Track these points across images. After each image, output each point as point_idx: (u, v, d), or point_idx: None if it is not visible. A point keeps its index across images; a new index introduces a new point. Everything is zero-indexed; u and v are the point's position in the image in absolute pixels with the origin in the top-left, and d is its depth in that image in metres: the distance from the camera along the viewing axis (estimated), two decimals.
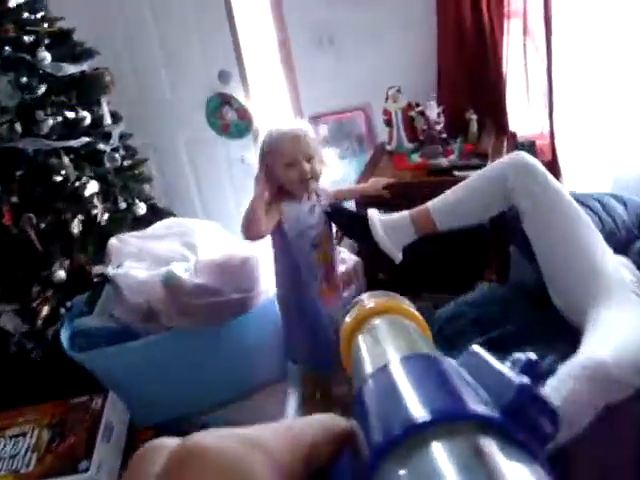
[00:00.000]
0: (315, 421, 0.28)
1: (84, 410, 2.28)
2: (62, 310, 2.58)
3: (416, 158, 2.70)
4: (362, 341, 0.38)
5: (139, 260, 2.35)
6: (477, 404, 0.24)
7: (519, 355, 0.27)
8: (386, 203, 2.55)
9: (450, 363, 0.29)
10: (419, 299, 2.66)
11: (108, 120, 2.77)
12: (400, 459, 0.23)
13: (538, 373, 0.26)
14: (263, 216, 2.01)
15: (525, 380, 0.25)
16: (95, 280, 2.46)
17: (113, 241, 2.38)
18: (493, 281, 2.58)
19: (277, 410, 2.47)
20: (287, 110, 3.09)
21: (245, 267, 2.29)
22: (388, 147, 2.84)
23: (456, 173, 2.44)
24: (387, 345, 0.35)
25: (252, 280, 2.30)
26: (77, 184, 2.63)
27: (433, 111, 2.70)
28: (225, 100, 3.11)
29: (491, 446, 0.22)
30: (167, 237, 2.43)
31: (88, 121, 2.66)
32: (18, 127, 2.49)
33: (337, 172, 2.38)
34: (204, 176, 3.40)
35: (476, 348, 0.29)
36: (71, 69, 2.61)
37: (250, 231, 1.99)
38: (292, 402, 2.55)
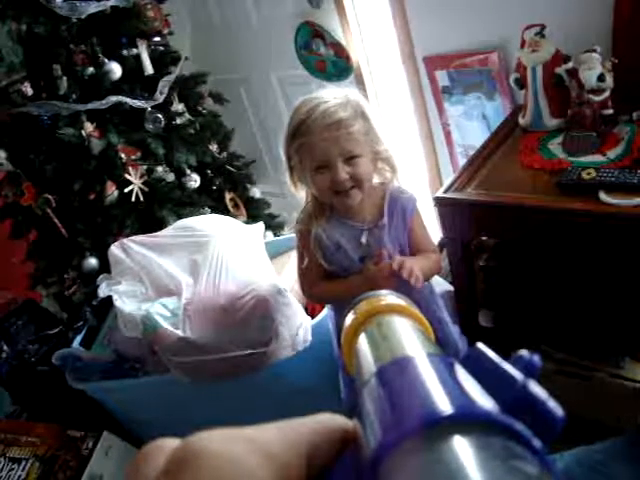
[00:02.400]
0: (316, 421, 0.27)
1: (75, 450, 1.91)
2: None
3: (555, 149, 1.72)
4: (370, 335, 0.36)
5: (137, 280, 1.81)
6: (487, 404, 0.23)
7: (522, 353, 0.27)
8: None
9: (458, 365, 0.28)
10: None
11: (149, 69, 2.15)
12: (410, 454, 0.22)
13: (538, 373, 0.26)
14: (316, 282, 1.50)
15: (528, 379, 0.25)
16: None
17: (114, 249, 1.86)
18: None
19: None
20: (394, 48, 2.18)
21: (257, 312, 1.64)
22: (521, 120, 1.86)
23: (603, 198, 1.46)
24: (400, 342, 0.33)
25: (267, 330, 1.65)
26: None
27: (592, 70, 1.65)
28: (316, 32, 2.29)
29: (504, 445, 0.21)
30: (176, 249, 1.84)
31: (119, 74, 2.08)
32: (29, 89, 2.00)
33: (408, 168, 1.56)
34: None
35: (480, 346, 0.28)
36: (91, 8, 2.00)
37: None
38: None
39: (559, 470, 0.22)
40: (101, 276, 1.94)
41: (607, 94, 1.67)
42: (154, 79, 2.19)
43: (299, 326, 1.70)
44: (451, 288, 1.87)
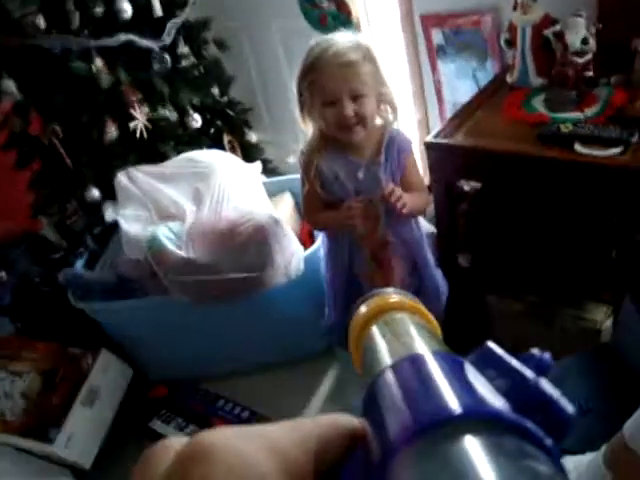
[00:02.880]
0: (325, 420, 0.27)
1: (75, 365, 2.04)
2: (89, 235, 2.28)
3: (537, 104, 1.86)
4: (380, 331, 0.37)
5: (142, 206, 1.93)
6: (498, 403, 0.24)
7: (533, 351, 0.27)
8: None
9: (468, 364, 0.28)
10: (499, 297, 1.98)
11: (158, 11, 2.24)
12: (420, 452, 0.22)
13: (549, 371, 0.26)
14: (314, 209, 1.66)
15: (540, 377, 0.25)
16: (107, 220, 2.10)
17: (120, 177, 1.97)
18: (608, 304, 1.82)
19: (301, 388, 2.09)
20: (393, 4, 2.29)
21: (254, 239, 1.77)
22: (508, 78, 2.00)
23: (578, 149, 1.61)
24: (413, 339, 0.34)
25: (263, 256, 1.78)
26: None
27: (577, 33, 1.79)
28: None
29: (516, 444, 0.21)
30: (180, 178, 1.96)
31: (129, 14, 2.16)
32: (42, 21, 2.08)
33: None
34: None
35: (490, 344, 0.28)
36: None
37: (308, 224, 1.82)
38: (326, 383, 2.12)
39: None
40: (106, 203, 2.05)
41: (589, 57, 1.81)
42: (162, 21, 2.27)
43: (292, 255, 1.83)
44: (434, 230, 2.02)
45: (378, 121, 1.59)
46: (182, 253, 1.74)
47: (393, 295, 0.40)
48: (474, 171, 1.86)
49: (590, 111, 1.77)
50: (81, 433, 1.96)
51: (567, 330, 1.87)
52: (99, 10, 2.12)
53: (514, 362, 0.26)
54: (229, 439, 0.24)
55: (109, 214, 1.93)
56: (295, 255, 1.84)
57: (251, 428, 0.25)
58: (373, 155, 1.58)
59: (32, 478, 2.01)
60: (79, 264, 2.13)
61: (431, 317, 0.39)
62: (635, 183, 1.51)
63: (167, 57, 2.26)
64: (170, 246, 1.74)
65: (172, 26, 2.28)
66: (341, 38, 1.48)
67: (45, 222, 2.50)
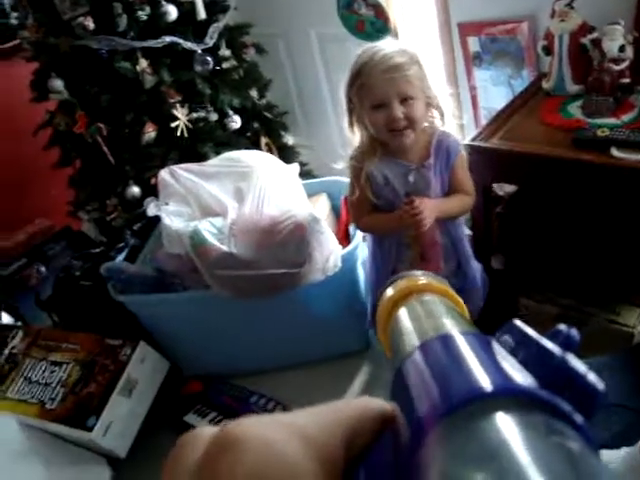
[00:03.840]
0: (353, 404, 0.28)
1: (113, 356, 2.08)
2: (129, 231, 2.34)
3: (574, 111, 1.89)
4: (408, 313, 0.37)
5: (184, 203, 1.98)
6: (527, 380, 0.23)
7: (560, 327, 0.26)
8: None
9: (496, 342, 0.28)
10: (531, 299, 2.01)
11: (202, 14, 2.31)
12: (452, 430, 0.22)
13: (576, 347, 0.26)
14: (366, 213, 1.68)
15: (567, 353, 0.25)
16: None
17: (163, 174, 2.02)
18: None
19: (335, 385, 2.12)
20: (431, 13, 2.34)
21: (294, 236, 1.81)
22: (545, 84, 2.03)
23: (614, 153, 1.64)
24: (442, 319, 0.34)
25: (302, 252, 1.82)
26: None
27: (614, 41, 1.82)
28: None
29: (545, 421, 0.21)
30: (222, 176, 2.00)
31: (174, 16, 2.23)
32: (91, 23, 2.15)
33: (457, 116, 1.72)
34: (337, 81, 2.81)
35: (517, 322, 0.28)
36: None
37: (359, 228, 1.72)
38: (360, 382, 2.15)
39: None
40: (148, 199, 2.11)
41: (626, 64, 1.84)
42: (205, 24, 2.34)
43: (330, 253, 1.87)
44: (469, 232, 2.05)
45: (426, 124, 1.62)
46: (224, 247, 1.78)
47: (421, 277, 0.40)
48: (510, 174, 1.90)
49: (627, 117, 1.80)
50: (118, 422, 2.00)
51: (601, 333, 1.89)
52: (145, 13, 2.19)
53: (541, 339, 0.26)
54: (257, 427, 0.24)
55: (151, 209, 1.98)
56: (333, 253, 1.88)
57: (279, 416, 0.25)
58: (422, 157, 1.60)
59: (69, 465, 2.06)
60: (120, 258, 2.18)
61: (459, 299, 0.39)
62: None
63: (209, 59, 2.32)
64: (212, 240, 1.78)
65: (214, 29, 2.35)
66: (387, 44, 1.50)
67: (85, 218, 2.57)
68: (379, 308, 0.40)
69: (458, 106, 2.46)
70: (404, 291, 0.39)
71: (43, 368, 2.17)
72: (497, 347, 0.27)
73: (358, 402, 0.28)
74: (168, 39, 2.22)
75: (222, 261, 1.81)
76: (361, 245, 2.05)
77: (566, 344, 0.26)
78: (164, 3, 2.20)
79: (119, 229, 2.40)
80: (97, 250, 2.40)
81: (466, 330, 0.31)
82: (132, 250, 2.21)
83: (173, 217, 1.93)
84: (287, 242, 1.83)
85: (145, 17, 2.18)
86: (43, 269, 2.69)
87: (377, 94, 1.47)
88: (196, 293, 2.00)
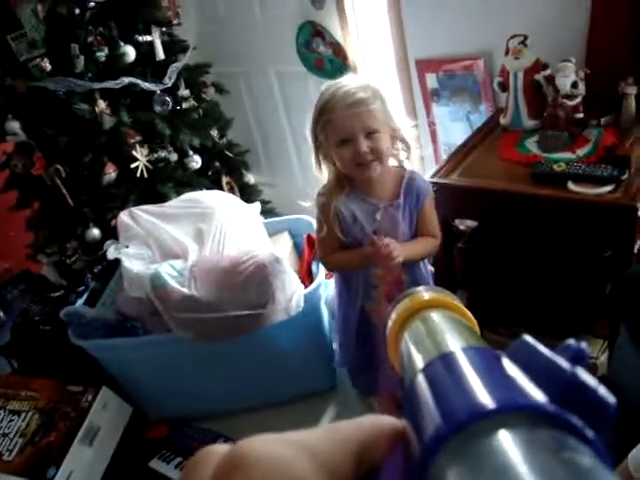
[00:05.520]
0: (363, 421, 0.27)
1: (74, 403, 2.03)
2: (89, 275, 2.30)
3: (531, 146, 1.92)
4: (414, 332, 0.36)
5: (145, 245, 1.95)
6: (536, 395, 0.23)
7: (569, 342, 0.25)
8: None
9: (505, 357, 0.27)
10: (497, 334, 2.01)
11: (160, 54, 2.31)
12: (459, 449, 0.22)
13: (587, 361, 0.25)
14: (332, 251, 1.67)
15: (577, 367, 0.24)
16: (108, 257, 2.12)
17: (123, 216, 2.00)
18: (603, 338, 1.85)
19: (303, 426, 2.09)
20: (389, 50, 2.37)
21: (256, 277, 1.79)
22: (502, 120, 2.06)
23: (571, 187, 1.66)
24: (445, 336, 0.33)
25: (265, 293, 1.80)
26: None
27: (567, 77, 1.86)
28: (317, 31, 2.47)
29: (555, 436, 0.21)
30: (182, 218, 1.99)
31: (132, 57, 2.23)
32: (47, 64, 2.13)
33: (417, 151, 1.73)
34: (298, 118, 2.83)
35: (527, 337, 0.27)
36: None
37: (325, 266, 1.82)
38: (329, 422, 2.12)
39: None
40: (108, 241, 2.08)
41: (579, 100, 1.88)
42: (164, 65, 2.34)
43: (293, 292, 1.85)
44: (431, 268, 2.05)
45: (393, 162, 1.62)
46: (185, 290, 1.76)
47: (423, 294, 0.39)
48: (471, 210, 1.92)
49: (582, 151, 1.83)
50: (80, 472, 1.94)
51: None
52: (103, 54, 2.18)
53: (550, 353, 0.25)
54: (267, 445, 0.24)
55: (111, 252, 1.95)
56: (296, 292, 1.87)
57: (290, 434, 0.26)
58: (391, 196, 1.60)
59: None
60: (79, 302, 2.14)
61: (465, 310, 0.38)
62: (626, 219, 1.56)
63: (168, 99, 2.32)
64: (173, 283, 1.76)
65: (173, 70, 2.35)
66: (350, 80, 1.53)
67: (45, 261, 2.51)
68: (387, 332, 0.40)
69: (418, 141, 2.49)
70: (406, 313, 0.38)
71: (1, 418, 2.11)
72: (506, 362, 0.27)
73: (371, 420, 0.28)
74: (127, 80, 2.21)
75: (183, 304, 1.78)
76: (324, 283, 2.04)
77: (576, 358, 0.25)
78: (122, 44, 2.20)
79: (79, 272, 2.36)
80: (57, 294, 2.36)
81: (471, 345, 0.30)
82: (92, 293, 2.17)
83: (133, 260, 1.91)
84: (249, 283, 1.81)
85: (103, 58, 2.17)
86: (1, 314, 2.63)
87: (342, 129, 1.48)
88: (158, 336, 1.97)
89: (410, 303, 0.38)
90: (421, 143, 2.48)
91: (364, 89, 1.48)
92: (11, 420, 2.10)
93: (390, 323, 0.39)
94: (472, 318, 0.38)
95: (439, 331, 0.34)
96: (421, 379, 0.28)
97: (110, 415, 2.07)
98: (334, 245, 1.66)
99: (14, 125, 2.23)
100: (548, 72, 1.92)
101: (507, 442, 0.21)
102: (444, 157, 2.40)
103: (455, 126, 2.36)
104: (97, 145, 2.23)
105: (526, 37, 1.94)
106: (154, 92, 2.30)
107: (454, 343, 0.31)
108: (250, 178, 2.70)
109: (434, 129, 2.41)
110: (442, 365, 0.28)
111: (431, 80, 2.31)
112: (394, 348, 0.38)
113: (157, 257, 1.92)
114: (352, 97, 1.46)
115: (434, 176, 1.87)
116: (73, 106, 2.16)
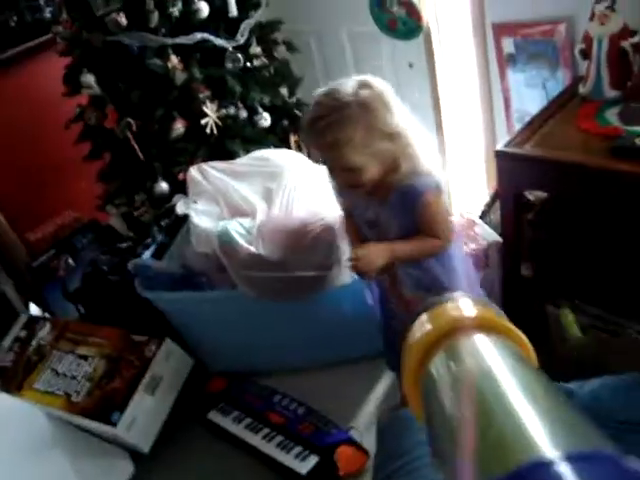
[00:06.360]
0: None
1: (139, 352, 2.10)
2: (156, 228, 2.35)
3: (611, 117, 1.85)
4: (442, 370, 0.26)
5: (213, 202, 1.98)
6: None
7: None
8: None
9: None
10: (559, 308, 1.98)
11: (234, 11, 2.30)
12: None
13: None
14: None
15: None
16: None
17: (193, 172, 2.03)
18: None
19: (357, 387, 2.12)
20: (465, 12, 2.30)
21: (323, 239, 1.80)
22: (581, 89, 1.99)
23: None
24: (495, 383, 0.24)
25: (331, 255, 1.81)
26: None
27: None
28: None
29: None
30: (252, 176, 2.00)
31: (205, 13, 2.23)
32: (123, 19, 2.15)
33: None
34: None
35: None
36: None
37: None
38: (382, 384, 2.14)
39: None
40: (177, 196, 2.12)
41: None
42: (236, 21, 2.33)
43: None
44: (500, 239, 2.02)
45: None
46: (252, 248, 1.78)
47: (464, 310, 0.30)
48: (543, 182, 1.87)
49: None
50: (142, 418, 2.02)
51: (633, 345, 1.86)
52: (177, 9, 2.18)
53: None
54: None
55: (180, 207, 1.98)
56: None
57: None
58: (384, 197, 1.45)
59: (92, 457, 2.08)
60: (147, 254, 2.20)
61: (518, 332, 0.29)
62: None
63: (240, 56, 2.31)
64: (240, 241, 1.79)
65: (246, 26, 2.34)
66: (334, 97, 1.30)
67: (113, 213, 2.58)
68: (405, 354, 0.30)
69: (490, 107, 2.43)
70: (434, 335, 0.29)
71: (70, 361, 2.21)
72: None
73: None
74: (199, 36, 2.21)
75: (249, 262, 1.81)
76: None
77: None
78: (196, 0, 2.19)
79: (147, 225, 2.41)
80: (124, 245, 2.42)
81: (578, 446, 0.22)
82: (159, 247, 2.22)
83: (202, 216, 1.94)
84: (316, 244, 1.82)
85: (177, 14, 2.18)
86: (71, 261, 2.72)
87: (320, 157, 1.40)
88: (223, 292, 2.01)
89: (444, 320, 0.29)
90: (494, 111, 2.43)
91: (342, 122, 1.27)
92: (79, 364, 2.19)
93: (410, 346, 0.30)
94: (526, 344, 0.29)
95: (501, 394, 0.24)
96: None
97: (172, 366, 2.13)
98: (349, 222, 1.63)
99: (89, 78, 2.27)
100: (636, 39, 1.83)
101: None
102: (516, 125, 2.35)
103: (530, 93, 2.28)
104: (168, 100, 2.26)
105: (614, 1, 1.86)
106: (226, 49, 2.30)
107: (542, 443, 0.21)
108: None
109: (508, 96, 2.35)
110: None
111: (507, 44, 2.24)
112: (413, 379, 0.30)
113: (225, 214, 1.95)
114: (325, 138, 1.29)
115: (507, 146, 1.82)
116: (146, 61, 2.18)
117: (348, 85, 1.30)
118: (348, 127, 1.26)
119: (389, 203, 1.43)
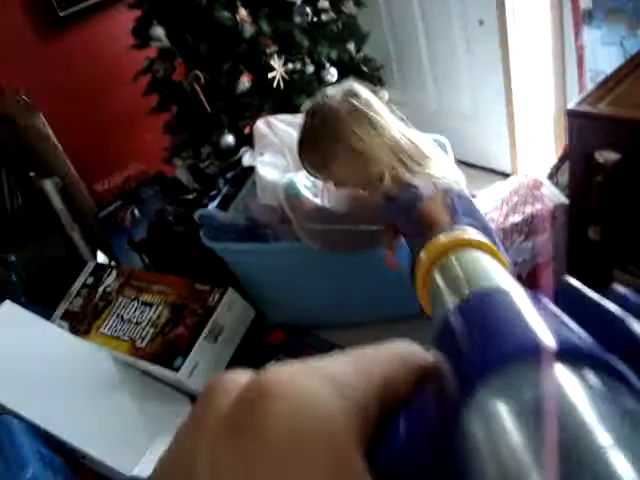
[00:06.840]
0: (393, 352, 0.26)
1: (202, 301, 2.15)
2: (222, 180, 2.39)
3: None
4: (449, 269, 0.35)
5: (279, 154, 2.00)
6: (587, 340, 0.22)
7: (616, 287, 0.25)
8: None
9: (547, 300, 0.25)
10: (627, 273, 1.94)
11: None
12: (507, 382, 0.20)
13: (636, 310, 0.24)
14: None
15: (628, 315, 0.23)
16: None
17: (260, 124, 2.04)
18: None
19: (416, 341, 2.13)
20: None
21: None
22: None
23: None
24: (492, 274, 0.32)
25: None
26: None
27: None
28: None
29: (601, 379, 0.20)
30: None
31: None
32: None
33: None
34: (435, 36, 2.74)
35: (571, 280, 0.27)
36: None
37: None
38: None
39: None
40: (243, 148, 2.14)
41: None
42: None
43: None
44: (566, 201, 1.98)
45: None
46: (317, 201, 1.79)
47: (469, 233, 0.38)
48: (616, 142, 1.82)
49: None
50: (204, 365, 2.07)
51: None
52: None
53: (600, 299, 0.24)
54: (295, 379, 0.23)
55: (247, 159, 2.01)
56: None
57: (315, 364, 0.24)
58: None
59: (155, 400, 2.16)
60: (212, 206, 2.24)
61: (502, 256, 0.37)
62: None
63: (308, 10, 2.30)
64: (306, 193, 1.80)
65: None
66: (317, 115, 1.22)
67: (179, 165, 2.63)
68: (417, 266, 0.38)
69: (562, 65, 2.36)
70: (456, 242, 0.37)
71: (134, 307, 2.28)
72: (549, 304, 0.25)
73: (399, 351, 0.26)
74: None
75: (314, 214, 1.82)
76: None
77: (625, 306, 0.24)
78: None
79: (212, 177, 2.45)
80: (190, 197, 2.47)
81: (516, 286, 0.28)
82: (225, 198, 2.25)
83: (268, 168, 1.96)
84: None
85: None
86: (137, 212, 2.79)
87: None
88: (286, 244, 2.03)
89: (454, 237, 0.38)
90: (566, 70, 2.36)
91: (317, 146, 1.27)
92: (143, 311, 2.26)
93: (421, 259, 0.38)
94: (508, 264, 0.36)
95: (486, 269, 0.33)
96: (472, 305, 0.27)
97: (234, 316, 2.18)
98: None
99: (158, 31, 2.30)
100: None
101: (560, 376, 0.20)
102: (589, 85, 2.28)
103: (606, 51, 2.21)
104: (236, 53, 2.27)
105: None
106: (294, 3, 2.29)
107: (503, 281, 0.30)
108: (384, 94, 2.67)
109: (582, 54, 2.27)
110: (494, 298, 0.26)
111: None
112: (423, 286, 0.38)
113: (291, 167, 1.96)
114: (301, 162, 1.38)
115: (580, 104, 1.77)
116: (215, 13, 2.19)
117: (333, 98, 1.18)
118: (327, 148, 1.24)
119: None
